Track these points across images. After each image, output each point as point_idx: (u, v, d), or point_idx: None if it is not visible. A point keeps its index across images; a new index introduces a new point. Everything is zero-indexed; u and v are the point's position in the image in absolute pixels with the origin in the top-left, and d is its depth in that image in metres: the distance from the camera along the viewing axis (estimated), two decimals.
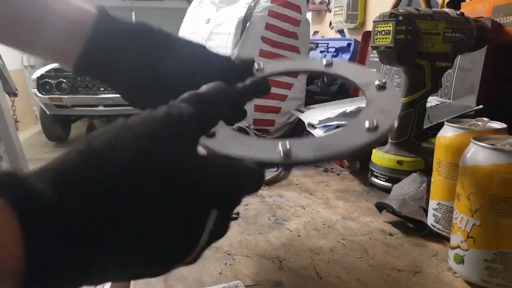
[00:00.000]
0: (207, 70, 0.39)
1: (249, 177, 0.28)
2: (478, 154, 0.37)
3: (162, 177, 0.23)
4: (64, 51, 0.38)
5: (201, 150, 0.28)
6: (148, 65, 0.38)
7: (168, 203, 0.24)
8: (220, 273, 0.40)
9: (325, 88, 1.11)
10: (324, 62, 0.41)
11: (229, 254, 0.44)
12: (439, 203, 0.46)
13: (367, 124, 0.30)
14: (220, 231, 0.28)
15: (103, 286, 0.64)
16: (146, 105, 0.30)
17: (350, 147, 0.29)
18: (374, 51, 0.61)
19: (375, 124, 0.30)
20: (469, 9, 0.78)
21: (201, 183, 0.25)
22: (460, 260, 0.39)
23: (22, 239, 0.19)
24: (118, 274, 0.25)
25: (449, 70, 0.73)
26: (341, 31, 1.59)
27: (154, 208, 0.23)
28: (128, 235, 0.23)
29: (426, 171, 0.56)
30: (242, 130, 0.97)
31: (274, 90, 0.98)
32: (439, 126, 0.49)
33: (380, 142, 0.32)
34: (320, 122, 0.76)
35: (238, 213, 0.51)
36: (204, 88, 0.29)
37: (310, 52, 1.38)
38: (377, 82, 0.35)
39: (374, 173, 0.64)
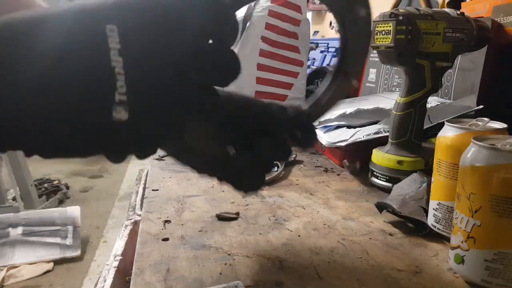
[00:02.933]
0: None
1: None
2: (478, 154, 0.37)
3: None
4: None
5: None
6: None
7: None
8: (220, 273, 0.40)
9: None
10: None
11: (229, 254, 0.44)
12: (439, 203, 0.46)
13: None
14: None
15: (104, 283, 0.64)
16: None
17: None
18: (374, 51, 0.61)
19: None
20: (469, 9, 0.78)
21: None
22: (460, 260, 0.39)
23: None
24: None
25: (450, 70, 0.73)
26: None
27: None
28: None
29: (427, 171, 0.56)
30: None
31: (274, 90, 0.99)
32: (440, 126, 0.49)
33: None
34: (320, 122, 0.76)
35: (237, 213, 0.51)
36: None
37: (310, 52, 1.38)
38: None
39: (374, 173, 0.64)
